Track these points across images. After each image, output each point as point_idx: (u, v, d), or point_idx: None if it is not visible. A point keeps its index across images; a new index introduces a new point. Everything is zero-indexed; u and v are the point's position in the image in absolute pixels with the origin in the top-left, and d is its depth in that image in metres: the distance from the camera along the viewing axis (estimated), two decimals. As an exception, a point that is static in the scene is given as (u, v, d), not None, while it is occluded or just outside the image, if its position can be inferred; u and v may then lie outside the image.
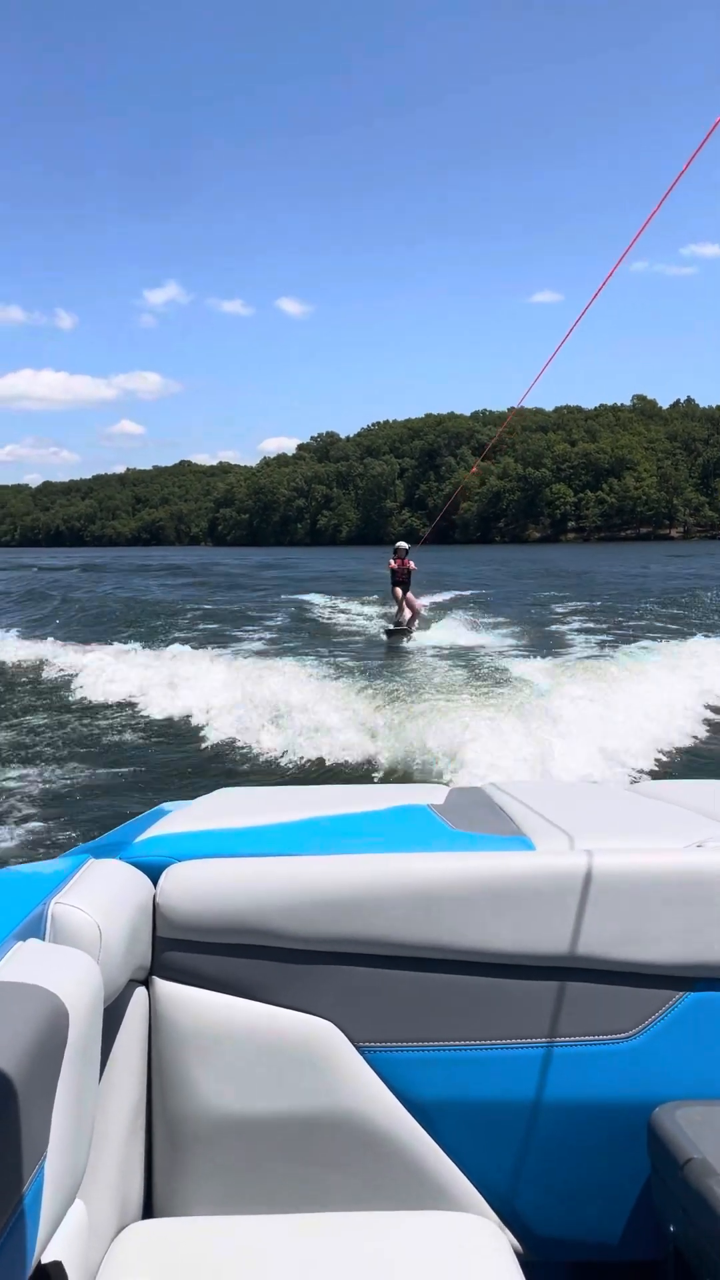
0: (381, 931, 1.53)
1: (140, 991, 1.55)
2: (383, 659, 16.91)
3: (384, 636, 20.90)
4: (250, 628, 23.63)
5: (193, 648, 17.28)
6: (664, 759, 9.09)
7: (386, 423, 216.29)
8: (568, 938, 1.53)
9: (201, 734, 10.92)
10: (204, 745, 10.47)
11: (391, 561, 22.51)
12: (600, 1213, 1.55)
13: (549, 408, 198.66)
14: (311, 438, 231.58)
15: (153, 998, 1.56)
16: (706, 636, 17.55)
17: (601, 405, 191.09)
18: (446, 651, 17.76)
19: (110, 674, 14.71)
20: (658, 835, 1.67)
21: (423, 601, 25.01)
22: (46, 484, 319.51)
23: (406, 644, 19.65)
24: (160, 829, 1.78)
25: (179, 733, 11.25)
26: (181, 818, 1.86)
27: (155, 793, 8.35)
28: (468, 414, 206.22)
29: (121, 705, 13.14)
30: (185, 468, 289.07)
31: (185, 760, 9.94)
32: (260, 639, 21.13)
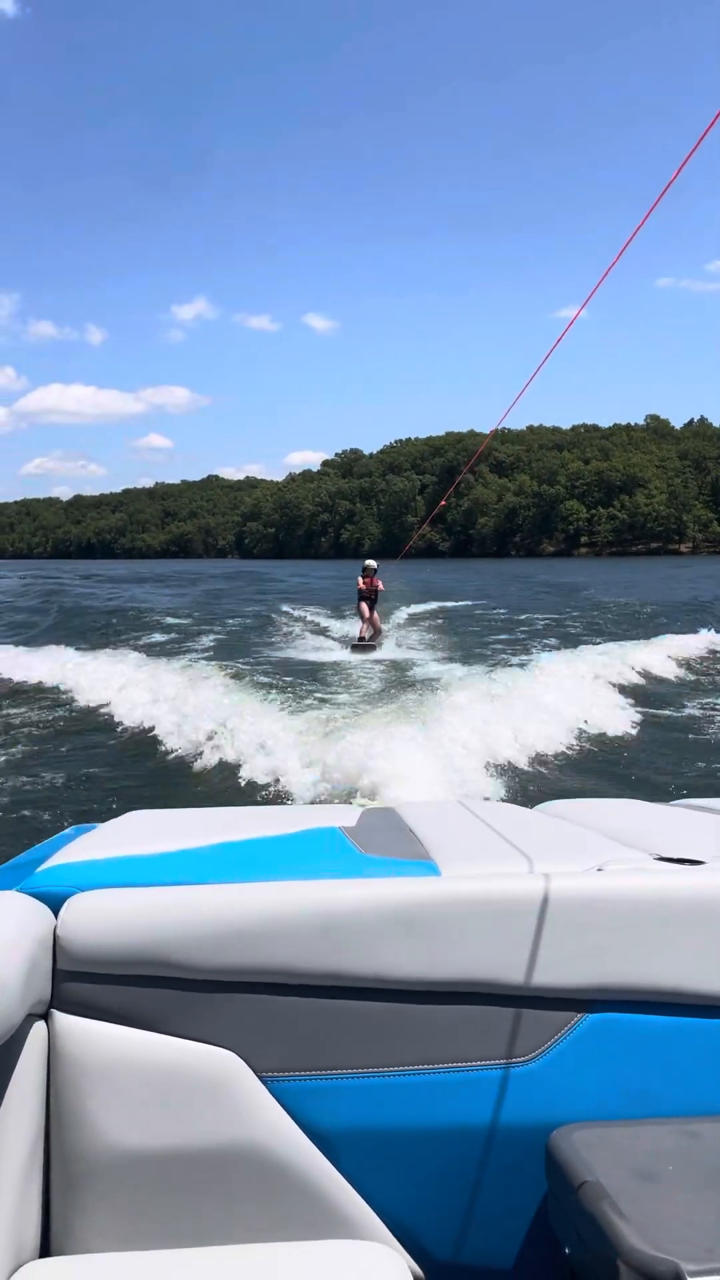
0: (286, 960, 1.53)
1: (39, 1026, 1.51)
2: (322, 674, 16.46)
3: (349, 652, 21.01)
4: (202, 637, 23.32)
5: (125, 651, 16.92)
6: (570, 770, 9.29)
7: (408, 440, 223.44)
8: (470, 962, 1.54)
9: (123, 748, 10.59)
10: (124, 760, 10.17)
11: (360, 580, 22.91)
12: (500, 1236, 1.55)
13: (566, 425, 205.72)
14: (336, 454, 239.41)
15: (52, 1032, 1.52)
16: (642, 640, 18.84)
17: (616, 424, 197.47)
18: (392, 668, 17.60)
19: (30, 675, 14.60)
20: (561, 858, 1.70)
21: (409, 611, 26.97)
22: (78, 497, 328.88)
23: (365, 658, 20.05)
24: (65, 855, 1.77)
25: (97, 746, 10.81)
26: (88, 843, 1.85)
27: (63, 808, 8.16)
28: (487, 431, 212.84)
29: (41, 715, 12.65)
30: (212, 482, 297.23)
31: (103, 776, 9.56)
32: (205, 649, 20.61)
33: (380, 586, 22.95)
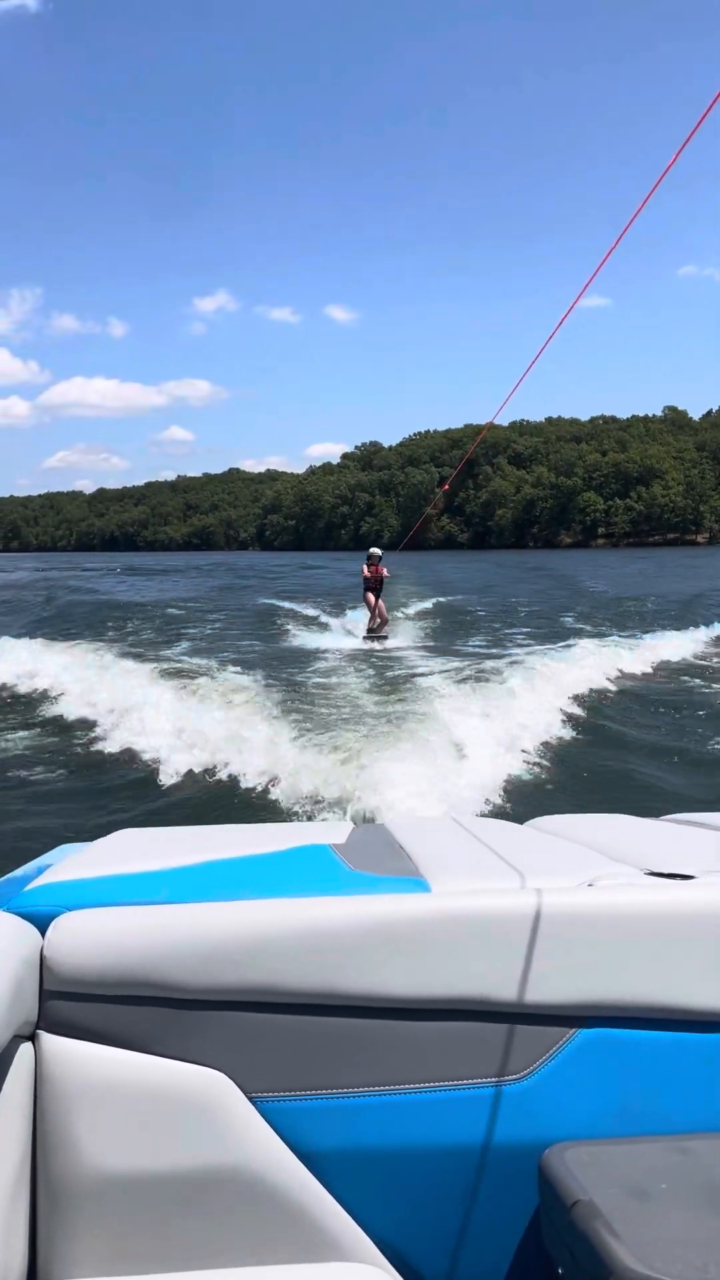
0: (275, 979, 1.52)
1: (25, 1048, 1.50)
2: (318, 671, 16.33)
3: (360, 641, 21.02)
4: (191, 634, 22.78)
5: (116, 655, 16.22)
6: (561, 783, 9.20)
7: (427, 432, 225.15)
8: (461, 979, 1.53)
9: (113, 761, 10.28)
10: (114, 774, 9.88)
11: (365, 569, 22.72)
12: (492, 1256, 1.54)
13: (584, 417, 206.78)
14: (355, 447, 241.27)
15: (38, 1054, 1.51)
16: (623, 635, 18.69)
17: (634, 416, 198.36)
18: (390, 665, 17.28)
19: (20, 678, 14.07)
20: (552, 873, 1.69)
21: (416, 607, 26.79)
22: (101, 490, 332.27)
23: (371, 647, 20.11)
24: (54, 875, 1.76)
25: (86, 760, 10.45)
26: (77, 862, 1.85)
27: (49, 824, 8.02)
28: (506, 424, 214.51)
29: (25, 720, 12.21)
30: (234, 475, 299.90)
31: (91, 790, 9.38)
32: (195, 648, 19.77)
33: (385, 574, 22.69)
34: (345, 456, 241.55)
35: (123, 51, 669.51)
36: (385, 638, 21.28)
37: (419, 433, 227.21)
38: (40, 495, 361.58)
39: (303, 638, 22.63)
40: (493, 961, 1.54)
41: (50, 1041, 1.51)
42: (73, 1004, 1.52)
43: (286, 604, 32.88)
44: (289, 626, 25.30)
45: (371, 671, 16.45)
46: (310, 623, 26.64)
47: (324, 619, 27.58)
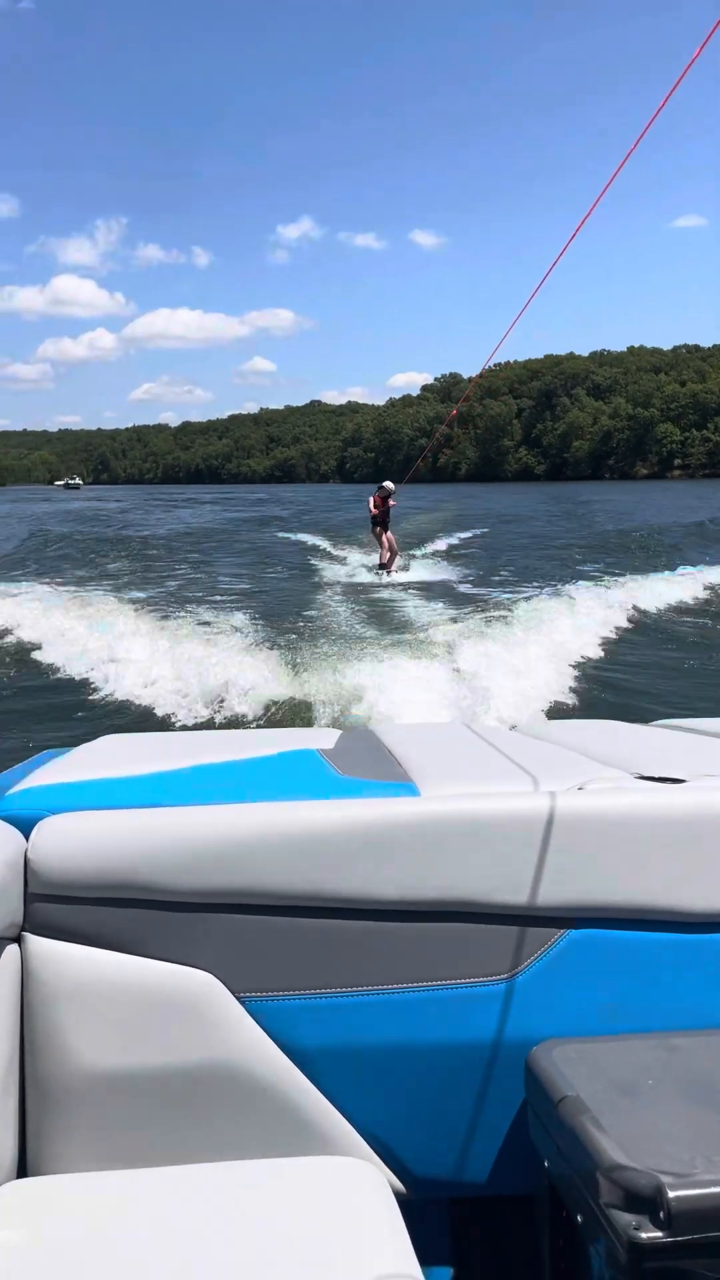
0: (263, 881, 1.53)
1: (10, 949, 1.51)
2: (313, 604, 16.38)
3: (375, 578, 20.83)
4: (223, 569, 23.07)
5: (114, 593, 16.34)
6: (558, 700, 9.01)
7: (507, 363, 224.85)
8: (450, 882, 1.54)
9: (98, 676, 10.29)
10: (100, 688, 9.90)
11: (371, 504, 22.21)
12: (479, 1150, 1.57)
13: (667, 346, 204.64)
14: (436, 378, 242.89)
15: (24, 955, 1.52)
16: (641, 576, 18.08)
17: (717, 345, 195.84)
18: (402, 594, 17.39)
19: (13, 614, 14.04)
20: (542, 777, 1.69)
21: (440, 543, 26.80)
22: (186, 424, 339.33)
23: (381, 579, 20.12)
24: (37, 779, 1.74)
25: (72, 675, 10.59)
26: (61, 766, 1.83)
27: (38, 736, 7.99)
28: (586, 354, 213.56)
29: (17, 644, 12.39)
30: (315, 407, 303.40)
31: (76, 703, 9.49)
32: (215, 579, 20.14)
33: (393, 504, 22.34)
34: (425, 388, 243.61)
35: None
36: (394, 570, 21.29)
37: (498, 364, 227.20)
38: (127, 429, 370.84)
39: (313, 571, 22.80)
40: (482, 864, 1.54)
41: (36, 943, 1.52)
42: (58, 906, 1.52)
43: (306, 538, 33.40)
44: (303, 560, 25.44)
45: (375, 605, 16.37)
46: (323, 556, 26.78)
47: (338, 553, 27.69)
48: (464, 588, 18.89)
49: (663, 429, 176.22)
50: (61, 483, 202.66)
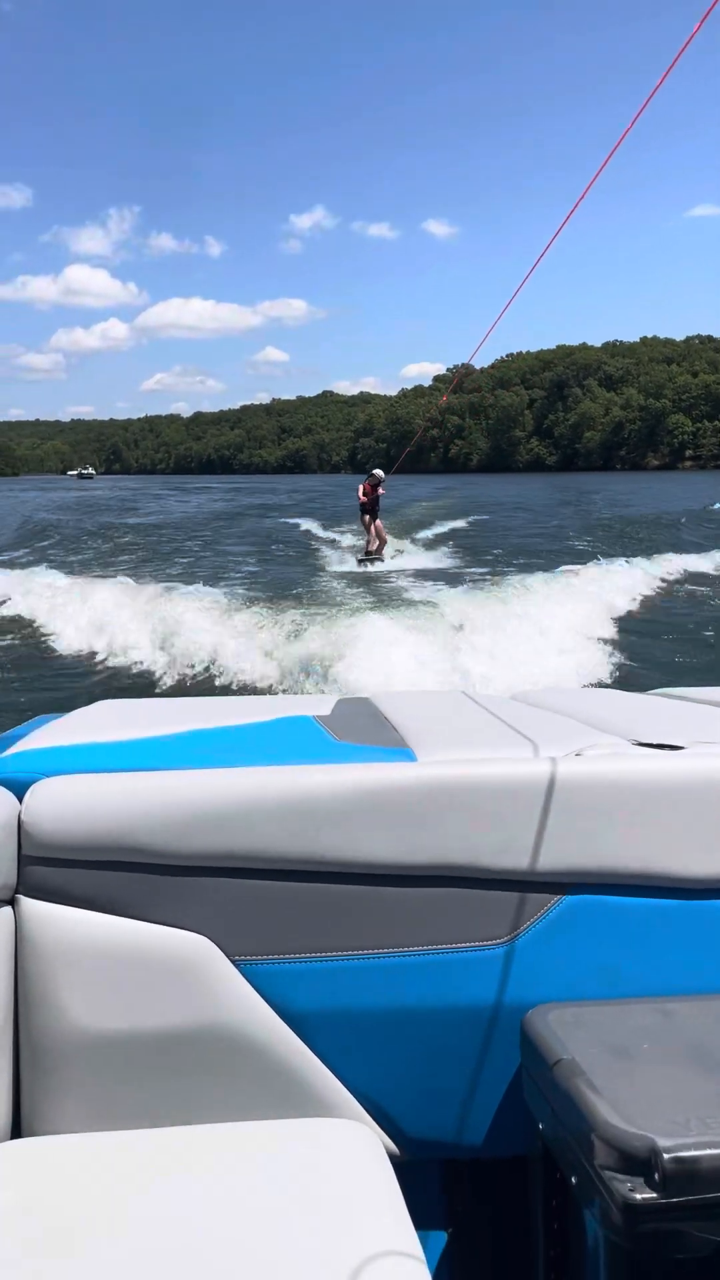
0: (259, 845, 1.53)
1: (5, 911, 1.52)
2: (309, 584, 16.52)
3: (360, 567, 20.67)
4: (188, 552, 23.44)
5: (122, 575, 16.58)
6: (551, 674, 8.98)
7: (519, 354, 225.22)
8: (447, 847, 1.54)
9: (94, 649, 10.41)
10: (95, 660, 9.95)
11: (360, 492, 22.16)
12: (474, 1113, 1.58)
13: (679, 337, 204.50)
14: (448, 369, 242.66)
15: (18, 917, 1.52)
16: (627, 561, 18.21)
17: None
18: (393, 580, 17.53)
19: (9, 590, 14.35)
20: (539, 744, 1.69)
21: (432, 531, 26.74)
22: (198, 414, 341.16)
23: (370, 569, 19.99)
24: (32, 742, 1.75)
25: (70, 648, 10.74)
26: (56, 730, 1.83)
27: (34, 702, 7.98)
28: (598, 345, 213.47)
29: (13, 619, 12.61)
30: (327, 398, 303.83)
31: (72, 675, 9.48)
32: (206, 564, 20.39)
33: (382, 492, 22.38)
34: (437, 379, 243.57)
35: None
36: (382, 560, 21.20)
37: (510, 354, 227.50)
38: (139, 419, 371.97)
39: (300, 561, 22.73)
40: (479, 830, 1.55)
41: (30, 906, 1.52)
42: (52, 869, 1.53)
43: (299, 523, 34.06)
44: (290, 551, 25.45)
45: (368, 585, 16.68)
46: (311, 545, 26.90)
47: (329, 538, 28.01)
48: (456, 569, 19.31)
49: (674, 420, 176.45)
50: (75, 472, 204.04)
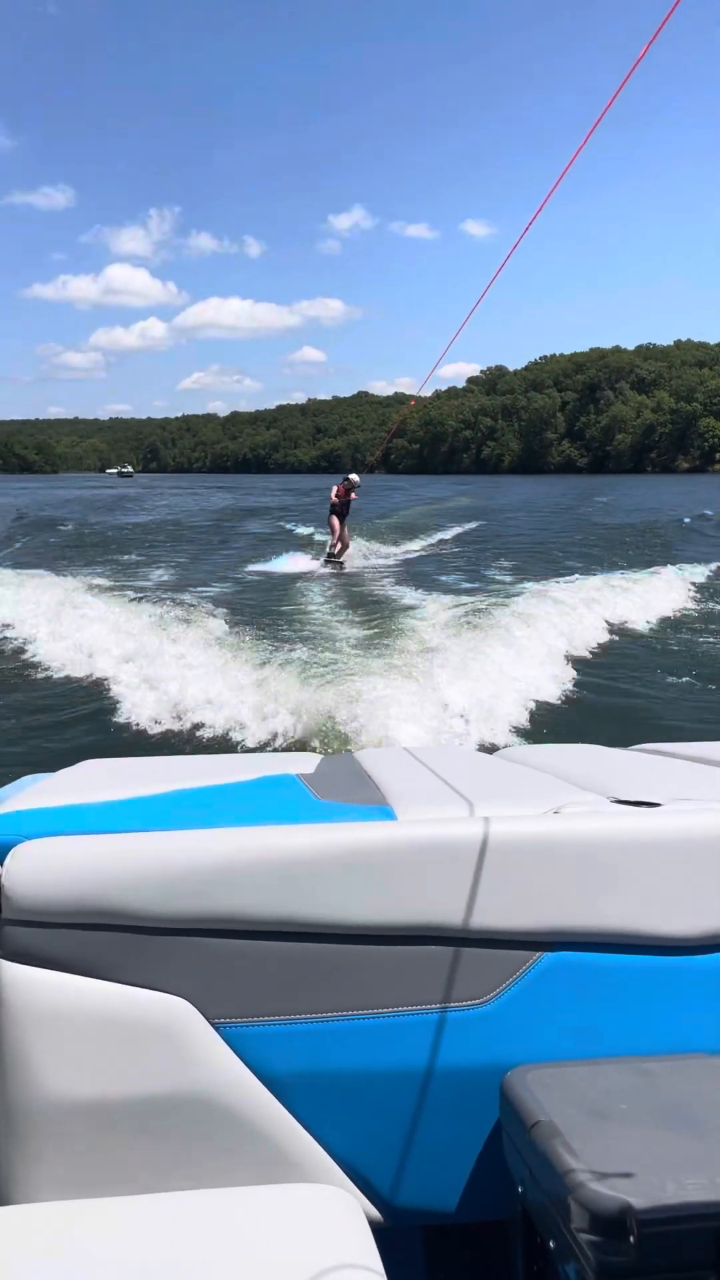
0: (238, 907, 1.51)
1: None
2: (285, 596, 16.36)
3: (322, 568, 20.55)
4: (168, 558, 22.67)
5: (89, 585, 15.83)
6: (539, 715, 8.77)
7: (552, 356, 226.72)
8: (427, 906, 1.53)
9: (79, 695, 9.83)
10: (78, 708, 9.41)
11: (333, 493, 21.85)
12: (454, 1177, 1.56)
13: (712, 340, 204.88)
14: (481, 371, 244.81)
15: None
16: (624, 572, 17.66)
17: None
18: (365, 592, 16.94)
19: None
20: (519, 802, 1.70)
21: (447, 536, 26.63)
22: (234, 414, 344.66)
23: (335, 573, 19.79)
24: (15, 804, 1.74)
25: (55, 693, 10.06)
26: (40, 791, 1.83)
27: (14, 756, 7.61)
28: (631, 348, 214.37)
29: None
30: (362, 398, 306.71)
31: (52, 725, 8.90)
32: (173, 575, 19.48)
33: (354, 497, 22.01)
34: (470, 380, 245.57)
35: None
36: (343, 564, 20.95)
37: (544, 356, 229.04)
38: (177, 418, 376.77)
39: (261, 562, 22.22)
40: (458, 888, 1.54)
41: (9, 969, 1.50)
42: (32, 931, 1.51)
43: (267, 528, 33.75)
44: (256, 551, 25.00)
45: (325, 598, 16.25)
46: (273, 545, 26.41)
47: (297, 537, 27.91)
48: (447, 580, 18.62)
49: (705, 423, 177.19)
50: (115, 470, 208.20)
